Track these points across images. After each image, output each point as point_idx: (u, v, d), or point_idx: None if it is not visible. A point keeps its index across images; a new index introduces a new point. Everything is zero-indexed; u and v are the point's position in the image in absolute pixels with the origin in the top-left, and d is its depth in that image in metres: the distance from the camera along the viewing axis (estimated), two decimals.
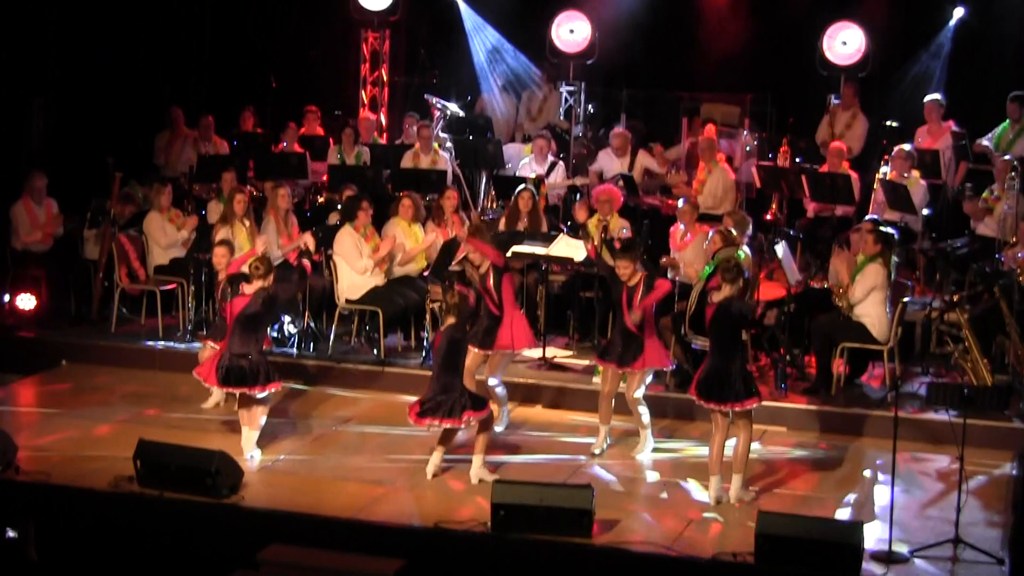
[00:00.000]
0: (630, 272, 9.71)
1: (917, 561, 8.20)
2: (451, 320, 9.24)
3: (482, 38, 16.30)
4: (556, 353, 11.89)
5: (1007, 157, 12.77)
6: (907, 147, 13.18)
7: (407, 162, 14.12)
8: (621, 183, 13.26)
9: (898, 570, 8.09)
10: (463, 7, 16.35)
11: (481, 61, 16.26)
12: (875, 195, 13.19)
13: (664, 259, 12.08)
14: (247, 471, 9.30)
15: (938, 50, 14.95)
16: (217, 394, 10.70)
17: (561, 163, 14.23)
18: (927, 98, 13.98)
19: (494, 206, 13.87)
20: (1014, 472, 9.81)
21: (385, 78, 16.49)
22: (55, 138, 14.24)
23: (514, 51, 16.23)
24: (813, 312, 11.27)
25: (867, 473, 9.81)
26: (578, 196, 14.15)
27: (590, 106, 15.69)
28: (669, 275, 12.01)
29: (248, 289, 9.77)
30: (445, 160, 14.13)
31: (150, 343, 12.16)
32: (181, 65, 15.89)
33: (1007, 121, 13.55)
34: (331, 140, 15.00)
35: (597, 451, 10.00)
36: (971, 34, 14.82)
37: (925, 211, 13.02)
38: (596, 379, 11.12)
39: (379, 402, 11.17)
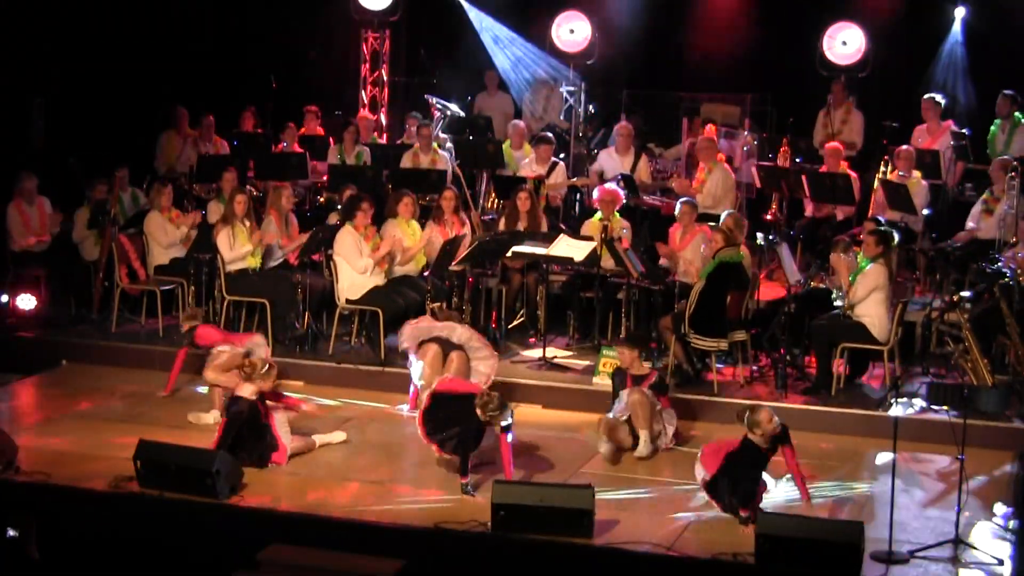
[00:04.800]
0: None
1: (917, 561, 8.20)
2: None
3: (500, 43, 16.30)
4: (556, 353, 11.89)
5: (1005, 157, 12.79)
6: (911, 148, 13.24)
7: (407, 162, 14.13)
8: (622, 183, 13.27)
9: (898, 570, 8.08)
10: (467, 6, 16.35)
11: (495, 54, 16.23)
12: (875, 195, 13.20)
13: (662, 249, 12.09)
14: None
15: (951, 56, 14.97)
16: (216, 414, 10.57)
17: (561, 163, 14.24)
18: (924, 96, 13.98)
19: (494, 206, 13.89)
20: (1014, 472, 9.81)
21: (385, 78, 16.51)
22: (55, 138, 14.24)
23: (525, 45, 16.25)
24: (813, 312, 11.28)
25: (867, 473, 9.81)
26: (578, 196, 14.17)
27: (590, 106, 15.70)
28: (664, 264, 12.06)
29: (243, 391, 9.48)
30: (445, 160, 14.13)
31: (150, 343, 12.18)
32: (181, 65, 15.89)
33: (996, 121, 13.56)
34: (331, 140, 15.01)
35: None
36: (975, 34, 14.84)
37: (925, 211, 13.03)
38: (596, 379, 11.13)
39: (379, 402, 11.16)
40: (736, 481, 8.62)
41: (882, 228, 11.27)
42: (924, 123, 14.01)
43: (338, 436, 10.13)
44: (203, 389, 10.85)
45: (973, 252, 12.46)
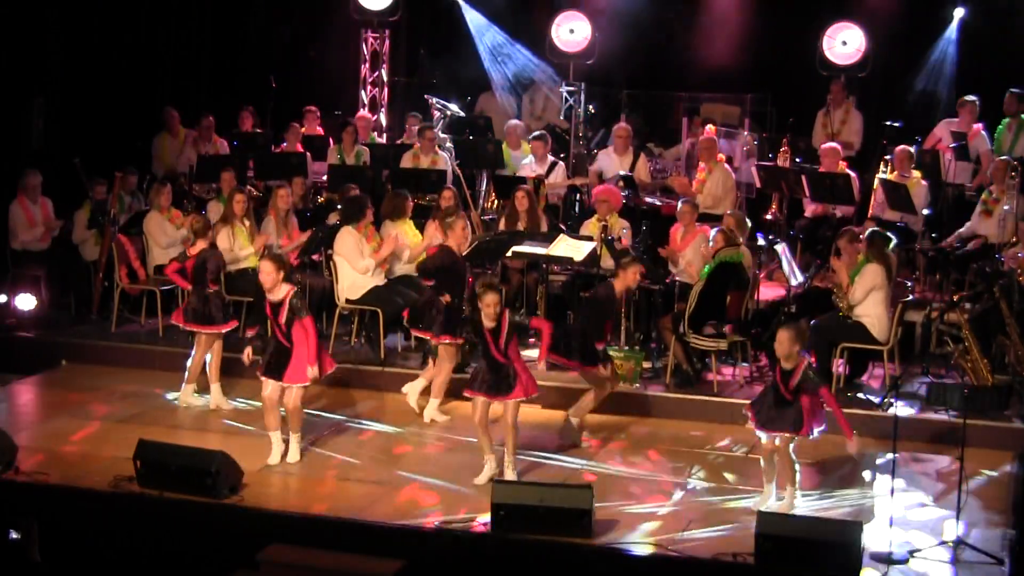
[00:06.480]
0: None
1: (917, 561, 8.20)
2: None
3: (486, 37, 16.29)
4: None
5: (1005, 157, 12.78)
6: (911, 148, 13.24)
7: (406, 162, 14.13)
8: (621, 183, 13.27)
9: (898, 570, 8.09)
10: (465, 7, 16.35)
11: (488, 60, 16.23)
12: (875, 195, 13.20)
13: (663, 250, 12.09)
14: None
15: (942, 55, 14.96)
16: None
17: (561, 163, 14.24)
18: (969, 98, 13.86)
19: (494, 206, 13.88)
20: (1014, 472, 9.81)
21: (385, 78, 16.51)
22: (55, 138, 14.25)
23: (521, 48, 16.24)
24: (813, 312, 11.28)
25: (867, 473, 9.81)
26: (578, 196, 14.16)
27: (590, 106, 15.69)
28: (668, 267, 12.05)
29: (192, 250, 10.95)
30: (445, 160, 14.13)
31: (150, 343, 12.18)
32: (181, 65, 15.90)
33: (1004, 120, 13.56)
34: (331, 140, 15.01)
35: (480, 482, 9.28)
36: (974, 34, 14.84)
37: (925, 211, 13.02)
38: None
39: (379, 402, 11.17)
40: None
41: (878, 229, 11.28)
42: (950, 119, 13.95)
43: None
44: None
45: (973, 252, 12.46)
